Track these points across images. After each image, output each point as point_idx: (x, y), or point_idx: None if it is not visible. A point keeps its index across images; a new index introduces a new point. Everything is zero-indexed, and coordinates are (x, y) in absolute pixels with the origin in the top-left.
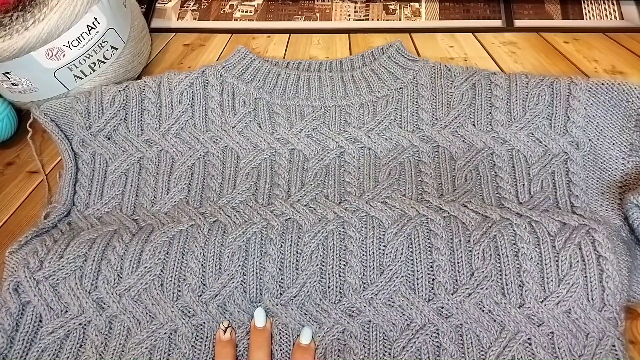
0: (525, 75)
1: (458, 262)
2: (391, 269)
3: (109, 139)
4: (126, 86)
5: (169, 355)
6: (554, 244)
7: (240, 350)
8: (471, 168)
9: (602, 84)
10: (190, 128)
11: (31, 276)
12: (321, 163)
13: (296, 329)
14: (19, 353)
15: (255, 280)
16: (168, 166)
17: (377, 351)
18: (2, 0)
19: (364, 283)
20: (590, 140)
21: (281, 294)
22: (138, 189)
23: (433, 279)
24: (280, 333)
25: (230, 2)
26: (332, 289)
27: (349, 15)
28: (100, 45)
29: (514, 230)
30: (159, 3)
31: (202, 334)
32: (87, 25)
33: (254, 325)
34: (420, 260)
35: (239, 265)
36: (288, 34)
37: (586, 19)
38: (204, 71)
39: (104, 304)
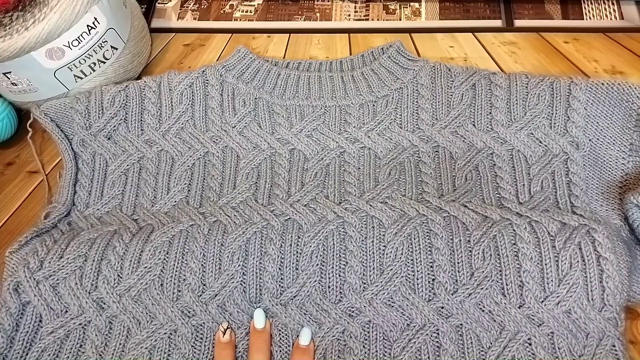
0: (525, 75)
1: (458, 262)
2: (391, 269)
3: (109, 139)
4: (126, 86)
5: (168, 355)
6: (554, 244)
7: (239, 352)
8: (471, 168)
9: (602, 84)
10: (190, 128)
11: (31, 276)
12: (321, 163)
13: (296, 329)
14: (19, 353)
15: (255, 280)
16: (168, 166)
17: (377, 351)
18: (2, 0)
19: (364, 283)
20: (590, 140)
21: (281, 294)
22: (138, 189)
23: (433, 279)
24: (280, 334)
25: (230, 2)
26: (332, 289)
27: (349, 15)
28: (100, 45)
29: (514, 230)
30: (159, 3)
31: (201, 334)
32: (87, 25)
33: (253, 326)
34: (420, 260)
35: (239, 265)
36: (288, 34)
37: (586, 19)
38: (204, 71)
39: (104, 304)
